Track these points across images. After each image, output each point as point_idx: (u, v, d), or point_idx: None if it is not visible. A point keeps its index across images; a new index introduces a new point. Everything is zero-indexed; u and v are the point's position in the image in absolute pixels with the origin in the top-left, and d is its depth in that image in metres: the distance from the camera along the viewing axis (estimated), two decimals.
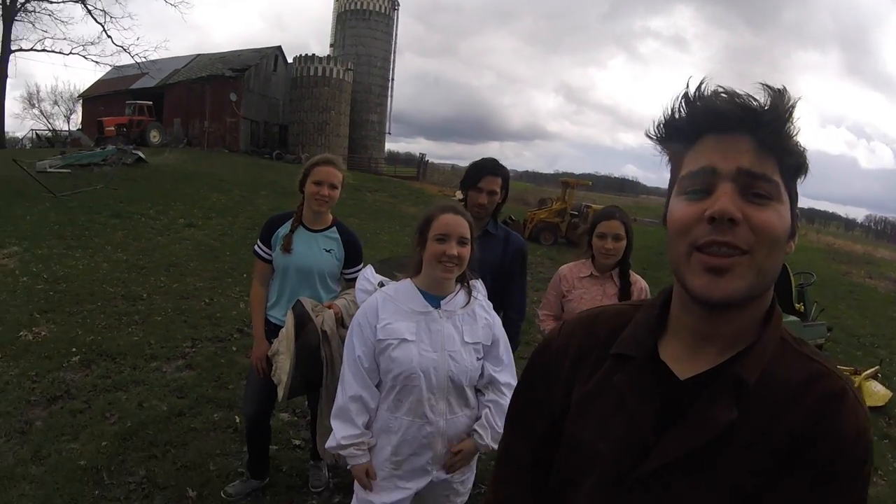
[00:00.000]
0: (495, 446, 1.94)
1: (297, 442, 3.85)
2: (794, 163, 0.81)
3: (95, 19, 23.30)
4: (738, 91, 0.79)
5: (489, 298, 2.18)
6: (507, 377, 2.06)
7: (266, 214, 2.98)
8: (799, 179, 0.83)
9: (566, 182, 20.18)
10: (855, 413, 0.77)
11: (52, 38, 29.08)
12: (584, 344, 0.96)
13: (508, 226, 3.05)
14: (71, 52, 27.93)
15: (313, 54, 34.17)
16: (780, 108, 0.77)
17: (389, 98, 39.89)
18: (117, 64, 28.13)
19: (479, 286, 2.15)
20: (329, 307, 2.64)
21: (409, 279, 2.05)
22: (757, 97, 0.78)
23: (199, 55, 37.96)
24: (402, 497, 2.02)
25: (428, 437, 1.99)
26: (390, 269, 2.31)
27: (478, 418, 2.06)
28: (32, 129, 36.27)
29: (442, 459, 2.03)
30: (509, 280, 2.84)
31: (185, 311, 6.52)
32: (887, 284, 18.71)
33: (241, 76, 33.10)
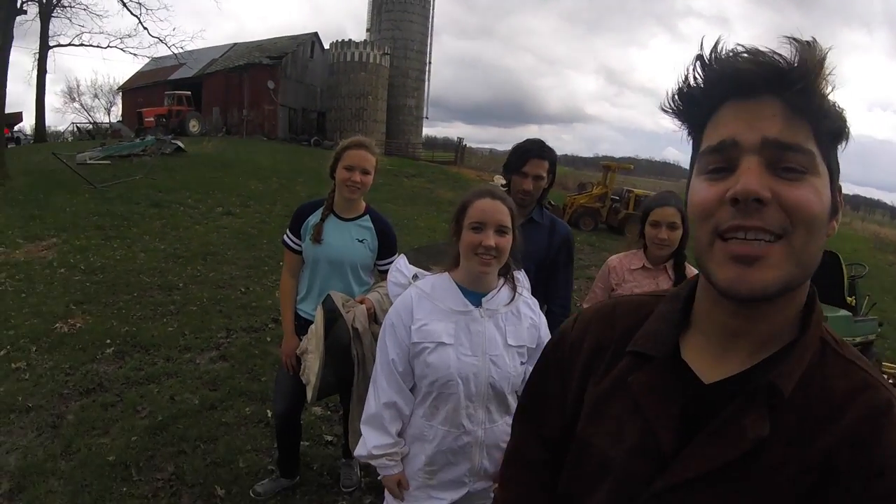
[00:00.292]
0: None
1: (330, 438, 3.71)
2: (831, 127, 0.69)
3: (131, 11, 23.46)
4: (760, 48, 0.67)
5: (532, 292, 1.96)
6: None
7: (304, 201, 2.81)
8: (840, 147, 0.72)
9: (607, 166, 19.75)
10: None
11: (89, 32, 29.67)
12: (599, 338, 0.89)
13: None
14: (109, 46, 28.23)
15: (350, 39, 34.03)
16: (809, 62, 0.65)
17: (427, 82, 39.48)
18: (155, 55, 28.46)
19: (522, 279, 1.93)
20: (361, 302, 2.45)
21: (446, 273, 1.83)
22: (782, 53, 0.66)
23: (236, 44, 38.33)
24: None
25: (465, 447, 1.79)
26: (425, 260, 2.09)
27: None
28: (73, 123, 37.40)
29: (480, 470, 1.82)
30: (554, 271, 2.61)
31: (221, 300, 6.47)
32: None
33: (278, 64, 33.26)
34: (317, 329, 2.35)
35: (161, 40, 24.51)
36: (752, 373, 0.73)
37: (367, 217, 2.73)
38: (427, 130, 47.23)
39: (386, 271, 2.73)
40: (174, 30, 50.36)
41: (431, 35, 39.00)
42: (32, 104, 29.24)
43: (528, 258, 2.05)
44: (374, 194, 2.81)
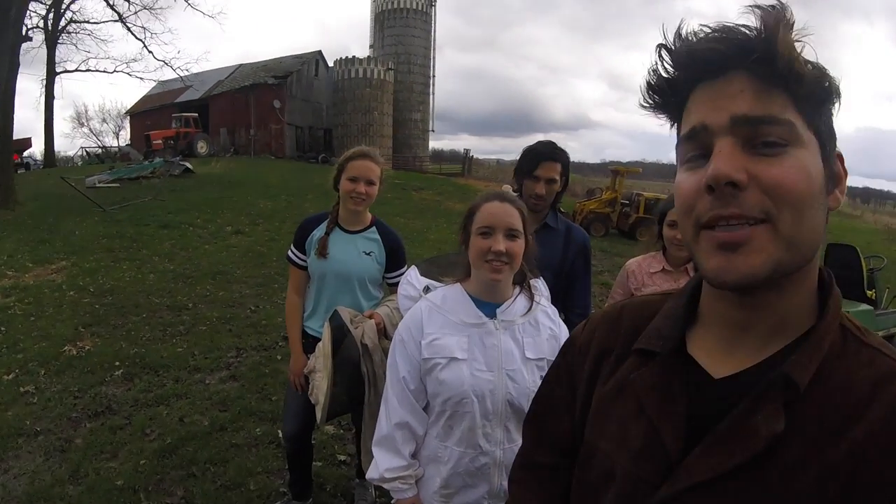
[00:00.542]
0: None
1: (343, 457, 3.62)
2: (812, 90, 0.63)
3: (135, 36, 23.82)
4: (723, 24, 0.64)
5: (551, 301, 1.87)
6: None
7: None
8: (833, 108, 0.66)
9: (616, 170, 19.68)
10: None
11: (95, 57, 30.54)
12: (606, 340, 0.85)
13: None
14: (115, 71, 28.89)
15: (353, 56, 34.39)
16: (774, 28, 0.60)
17: (431, 95, 39.81)
18: (161, 79, 28.97)
19: (541, 287, 1.83)
20: (370, 317, 2.37)
21: (458, 284, 1.74)
22: (745, 24, 0.62)
23: (241, 65, 38.77)
24: None
25: (483, 468, 1.68)
26: (437, 271, 2.01)
27: None
28: (82, 147, 37.86)
29: (500, 493, 1.70)
30: (572, 280, 2.52)
31: (231, 319, 6.41)
32: None
33: (283, 83, 33.57)
34: (324, 346, 2.27)
35: (166, 63, 24.90)
36: (765, 366, 0.67)
37: (374, 229, 2.65)
38: (433, 143, 47.41)
39: (395, 284, 2.65)
40: (179, 52, 51.01)
41: (434, 49, 39.41)
42: (41, 130, 29.81)
43: (543, 266, 1.96)
44: (383, 208, 2.74)
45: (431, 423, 1.71)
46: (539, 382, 1.63)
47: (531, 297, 1.74)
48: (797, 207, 0.61)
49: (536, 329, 1.70)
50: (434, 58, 39.49)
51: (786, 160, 0.61)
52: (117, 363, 4.94)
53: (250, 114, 33.42)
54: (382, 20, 38.02)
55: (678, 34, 0.66)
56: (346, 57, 34.47)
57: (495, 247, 1.59)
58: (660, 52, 0.67)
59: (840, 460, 0.60)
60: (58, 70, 29.13)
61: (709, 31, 0.64)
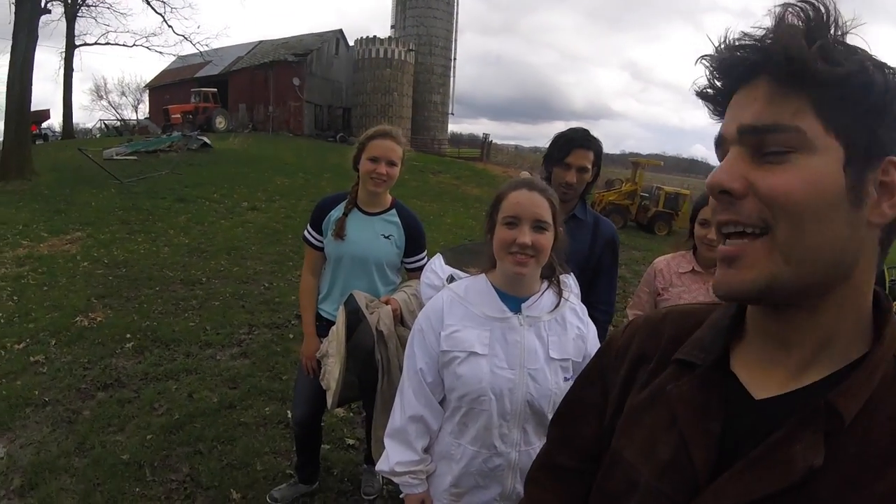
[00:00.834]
0: None
1: (351, 441, 3.56)
2: (838, 91, 0.56)
3: (155, 10, 23.70)
4: (761, 27, 0.60)
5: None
6: None
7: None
8: (882, 111, 0.57)
9: (637, 162, 19.45)
10: None
11: (115, 31, 30.52)
12: (645, 347, 0.81)
13: None
14: (135, 45, 28.97)
15: (374, 36, 34.08)
16: (786, 28, 0.58)
17: (451, 78, 39.33)
18: (181, 53, 29.00)
19: (571, 283, 1.73)
20: (387, 302, 2.29)
21: (483, 275, 1.64)
22: (772, 26, 0.59)
23: (261, 42, 38.57)
24: None
25: (496, 470, 1.59)
26: (463, 260, 1.92)
27: None
28: (101, 119, 38.03)
29: (512, 495, 1.62)
30: (597, 274, 2.42)
31: (244, 295, 6.39)
32: None
33: (303, 61, 33.40)
34: (338, 331, 2.20)
35: (186, 38, 24.94)
36: (808, 391, 0.62)
37: (394, 211, 2.56)
38: (452, 127, 47.22)
39: (414, 269, 2.56)
40: (199, 28, 51.00)
41: (456, 31, 38.90)
42: (60, 102, 29.95)
43: (570, 259, 1.85)
44: (400, 190, 2.64)
45: (446, 418, 1.64)
46: (562, 384, 1.55)
47: (559, 293, 1.64)
48: (795, 218, 0.58)
49: (563, 327, 1.60)
50: (455, 40, 39.09)
51: (788, 169, 0.58)
52: (128, 335, 4.93)
53: (269, 90, 33.35)
54: (405, 1, 37.69)
55: (724, 42, 0.63)
56: (367, 36, 34.19)
57: (520, 239, 1.49)
58: (702, 63, 0.65)
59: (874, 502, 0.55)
60: (77, 43, 29.22)
61: (738, 37, 0.62)
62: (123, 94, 48.42)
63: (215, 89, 31.79)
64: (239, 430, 3.58)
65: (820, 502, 0.57)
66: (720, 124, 0.68)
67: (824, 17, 0.57)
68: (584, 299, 2.08)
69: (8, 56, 14.21)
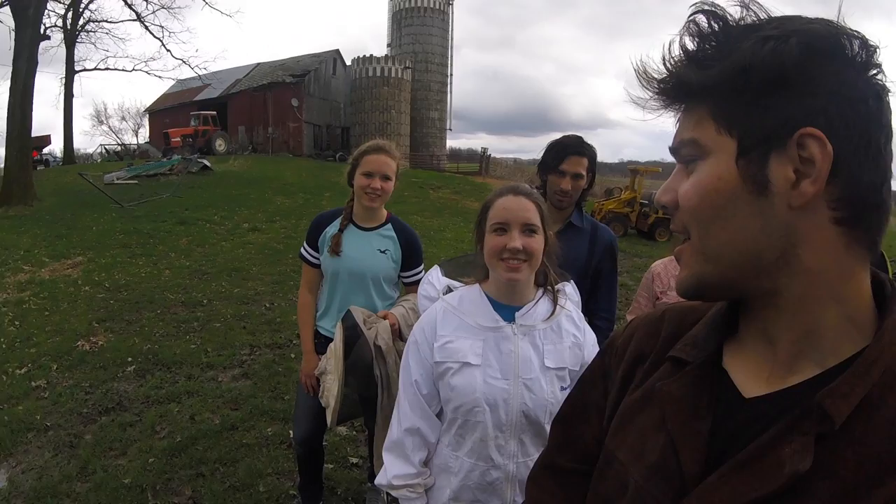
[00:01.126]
0: None
1: (355, 460, 3.53)
2: (726, 88, 0.58)
3: (153, 35, 24.07)
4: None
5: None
6: None
7: None
8: (777, 89, 0.56)
9: (635, 169, 19.42)
10: None
11: (114, 56, 31.25)
12: (643, 344, 0.80)
13: None
14: (134, 69, 29.38)
15: (371, 55, 34.39)
16: (670, 52, 0.61)
17: (449, 94, 39.70)
18: (180, 77, 29.35)
19: (570, 291, 1.72)
20: (384, 317, 2.28)
21: (476, 285, 1.64)
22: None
23: (259, 64, 39.00)
24: None
25: (495, 483, 1.57)
26: (460, 271, 1.91)
27: None
28: (101, 144, 38.35)
29: None
30: (597, 282, 2.41)
31: (245, 316, 6.38)
32: None
33: (301, 81, 33.71)
34: (336, 348, 2.18)
35: (184, 62, 25.29)
36: (801, 389, 0.59)
37: (390, 225, 2.55)
38: (451, 142, 47.49)
39: (411, 283, 2.55)
40: (197, 51, 51.60)
41: (452, 48, 39.29)
42: (61, 127, 30.21)
43: (568, 267, 1.84)
44: (400, 206, 2.65)
45: (444, 430, 1.62)
46: (558, 394, 1.53)
47: (555, 301, 1.62)
48: (698, 220, 0.62)
49: (559, 335, 1.58)
50: (452, 56, 39.45)
51: (691, 178, 0.62)
52: (130, 359, 4.91)
53: (268, 112, 33.62)
54: (400, 19, 38.03)
55: (645, 80, 0.64)
56: (364, 55, 34.49)
57: (511, 244, 1.48)
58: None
59: None
60: (77, 68, 29.62)
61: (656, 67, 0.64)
62: (124, 118, 48.83)
63: (214, 112, 32.05)
64: (241, 451, 3.55)
65: None
66: None
67: (717, 14, 0.58)
68: (585, 308, 2.07)
69: (9, 82, 14.38)
